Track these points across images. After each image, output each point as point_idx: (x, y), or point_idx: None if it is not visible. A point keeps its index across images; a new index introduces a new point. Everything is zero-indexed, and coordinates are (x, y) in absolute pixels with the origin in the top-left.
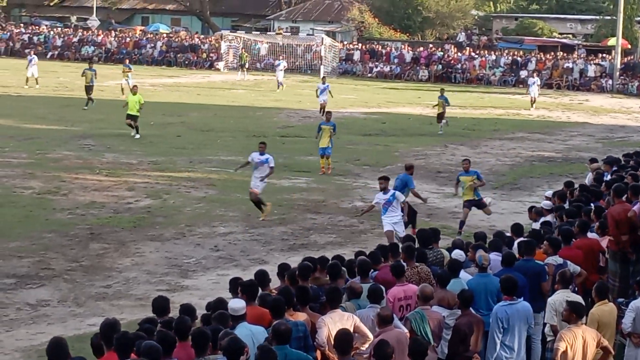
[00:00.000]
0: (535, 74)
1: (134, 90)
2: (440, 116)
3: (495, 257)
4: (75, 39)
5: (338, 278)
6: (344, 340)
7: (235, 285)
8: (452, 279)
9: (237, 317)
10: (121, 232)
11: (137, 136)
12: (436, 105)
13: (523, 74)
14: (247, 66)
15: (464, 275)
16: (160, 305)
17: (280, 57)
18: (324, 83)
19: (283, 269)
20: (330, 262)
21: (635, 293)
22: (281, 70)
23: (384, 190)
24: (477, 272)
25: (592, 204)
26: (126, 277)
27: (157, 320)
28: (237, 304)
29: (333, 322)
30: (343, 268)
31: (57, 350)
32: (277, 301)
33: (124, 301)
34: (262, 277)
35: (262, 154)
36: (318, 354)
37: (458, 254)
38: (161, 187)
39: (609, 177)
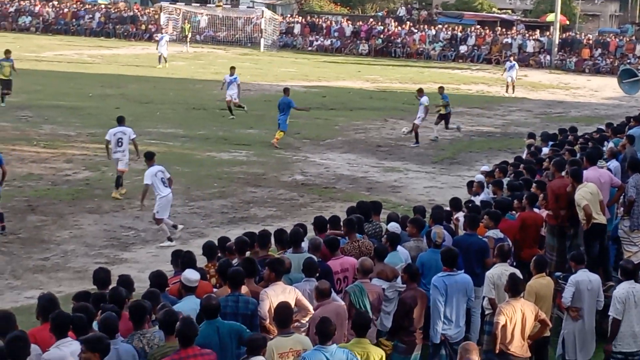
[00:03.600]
0: (512, 58)
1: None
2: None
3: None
4: (12, 9)
5: (267, 248)
6: (284, 313)
7: (177, 258)
8: (390, 252)
9: (189, 288)
10: (59, 205)
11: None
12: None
13: (462, 49)
14: (189, 38)
15: (401, 249)
16: (102, 277)
17: (163, 31)
18: (232, 74)
19: (223, 242)
20: (261, 232)
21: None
22: (164, 44)
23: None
24: (431, 248)
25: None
26: (64, 250)
27: (90, 293)
28: (192, 275)
29: (275, 295)
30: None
31: (5, 322)
32: (238, 273)
33: (62, 274)
34: (209, 250)
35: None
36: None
37: (394, 226)
38: (100, 160)
39: (544, 151)
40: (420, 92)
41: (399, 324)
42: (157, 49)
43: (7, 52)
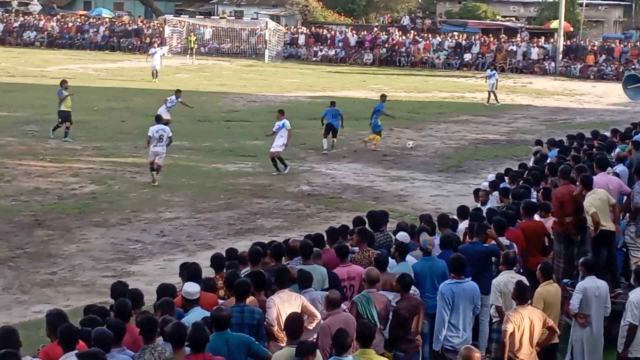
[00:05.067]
0: (492, 67)
1: None
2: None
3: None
4: (16, 24)
5: (281, 259)
6: (295, 324)
7: (184, 270)
8: (399, 263)
9: (191, 301)
10: (66, 219)
11: None
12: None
13: (467, 57)
14: (195, 50)
15: (410, 259)
16: (119, 291)
17: (156, 45)
18: (166, 104)
19: (230, 254)
20: (274, 244)
21: (580, 274)
22: (157, 58)
23: None
24: (422, 256)
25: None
26: (72, 264)
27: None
28: (192, 288)
29: (282, 302)
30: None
31: (8, 338)
32: (244, 284)
33: (70, 288)
34: (217, 262)
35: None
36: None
37: (403, 236)
38: (106, 173)
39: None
40: (281, 113)
41: (395, 334)
42: (146, 60)
43: (64, 82)
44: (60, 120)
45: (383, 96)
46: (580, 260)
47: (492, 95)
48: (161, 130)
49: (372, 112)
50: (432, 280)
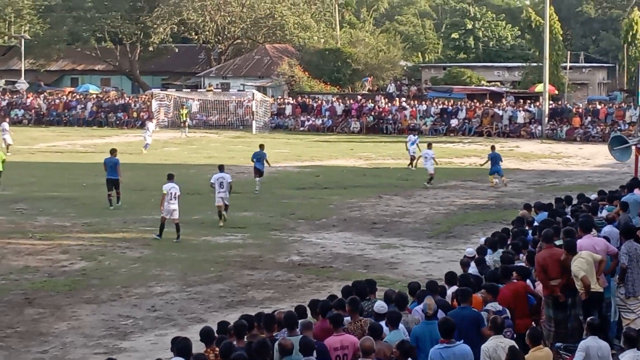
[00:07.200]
0: (414, 133)
1: None
2: None
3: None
4: (4, 103)
5: (272, 330)
6: None
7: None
8: (392, 331)
9: None
10: (56, 296)
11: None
12: None
13: (453, 122)
14: (187, 123)
15: (402, 327)
16: None
17: (152, 120)
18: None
19: (222, 326)
20: (265, 315)
21: (583, 334)
22: (150, 134)
23: None
24: (424, 319)
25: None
26: (63, 342)
27: None
28: None
29: None
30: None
31: None
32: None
33: None
34: (207, 336)
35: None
36: None
37: (379, 305)
38: (96, 249)
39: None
40: (170, 177)
41: None
42: (146, 136)
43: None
44: (117, 190)
45: (494, 147)
46: (587, 320)
47: (414, 160)
48: (221, 178)
49: (492, 160)
50: (432, 344)
